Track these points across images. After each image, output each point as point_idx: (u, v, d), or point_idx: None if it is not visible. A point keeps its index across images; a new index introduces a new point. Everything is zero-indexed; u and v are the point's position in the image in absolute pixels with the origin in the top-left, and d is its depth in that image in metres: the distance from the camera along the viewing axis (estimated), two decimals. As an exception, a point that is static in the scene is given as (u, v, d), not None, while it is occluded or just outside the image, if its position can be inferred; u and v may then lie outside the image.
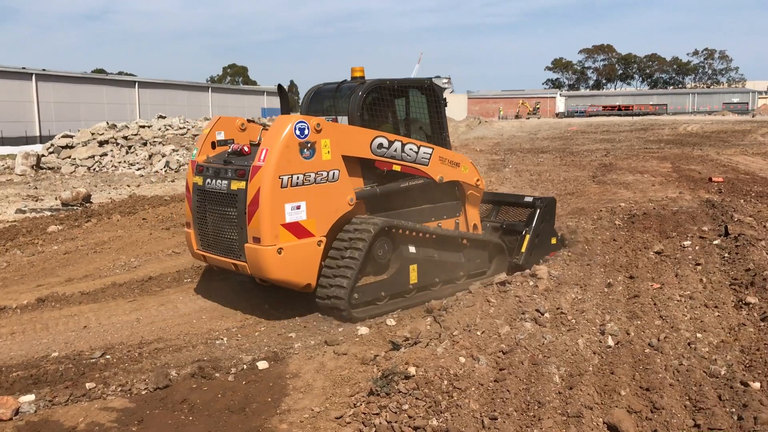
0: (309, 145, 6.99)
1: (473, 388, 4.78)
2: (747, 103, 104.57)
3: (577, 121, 69.59)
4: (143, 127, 29.35)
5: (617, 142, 34.91)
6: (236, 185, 7.08)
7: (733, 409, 4.41)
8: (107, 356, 6.30)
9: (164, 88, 66.97)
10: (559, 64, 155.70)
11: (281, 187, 6.81)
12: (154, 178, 21.90)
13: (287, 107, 8.44)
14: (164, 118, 33.41)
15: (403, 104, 8.56)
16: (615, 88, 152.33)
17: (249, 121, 8.35)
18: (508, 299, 6.70)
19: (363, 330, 6.77)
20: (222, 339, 6.77)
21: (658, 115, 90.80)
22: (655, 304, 6.64)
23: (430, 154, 8.22)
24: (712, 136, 37.39)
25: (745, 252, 8.25)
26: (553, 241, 9.72)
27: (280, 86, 8.62)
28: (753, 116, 75.10)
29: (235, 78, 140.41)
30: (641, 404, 4.55)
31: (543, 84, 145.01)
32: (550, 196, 11.10)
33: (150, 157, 25.21)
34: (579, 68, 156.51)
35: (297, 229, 7.00)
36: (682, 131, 43.78)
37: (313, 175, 7.05)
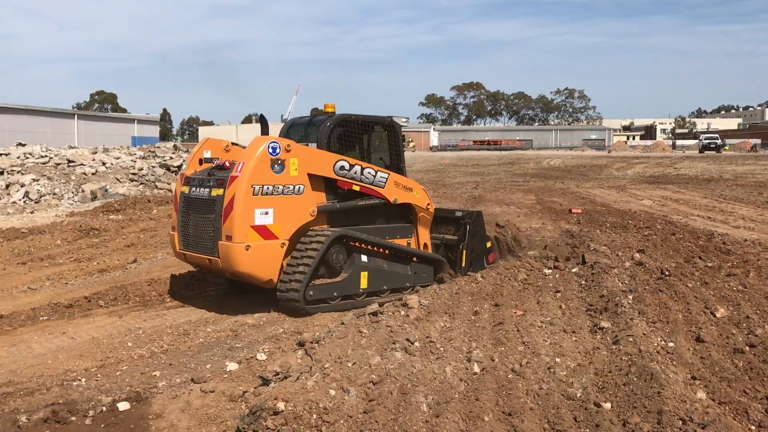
0: (279, 161, 8.29)
1: (342, 421, 4.76)
2: (604, 140, 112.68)
3: (449, 155, 72.04)
4: (0, 154, 27.44)
5: (486, 175, 36.40)
6: (215, 192, 8.37)
7: (587, 430, 4.64)
8: (-53, 404, 5.76)
9: (25, 114, 62.95)
10: (432, 100, 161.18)
11: (253, 195, 8.08)
12: (11, 209, 20.44)
13: (267, 132, 9.52)
14: (24, 145, 31.40)
15: (366, 136, 9.96)
16: (484, 124, 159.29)
17: (233, 144, 9.70)
18: (379, 329, 6.75)
19: (232, 366, 6.58)
20: (80, 380, 6.36)
21: (524, 150, 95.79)
22: (518, 330, 6.91)
23: (386, 179, 9.43)
24: (572, 170, 39.81)
25: (600, 279, 8.78)
26: (489, 244, 11.00)
27: (261, 116, 10.16)
28: (609, 152, 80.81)
29: (103, 105, 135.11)
30: (503, 429, 4.70)
31: (417, 119, 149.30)
32: (477, 209, 11.97)
33: (7, 186, 23.55)
34: (451, 104, 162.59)
35: (264, 231, 8.24)
36: (545, 165, 46.34)
37: (281, 187, 8.32)
